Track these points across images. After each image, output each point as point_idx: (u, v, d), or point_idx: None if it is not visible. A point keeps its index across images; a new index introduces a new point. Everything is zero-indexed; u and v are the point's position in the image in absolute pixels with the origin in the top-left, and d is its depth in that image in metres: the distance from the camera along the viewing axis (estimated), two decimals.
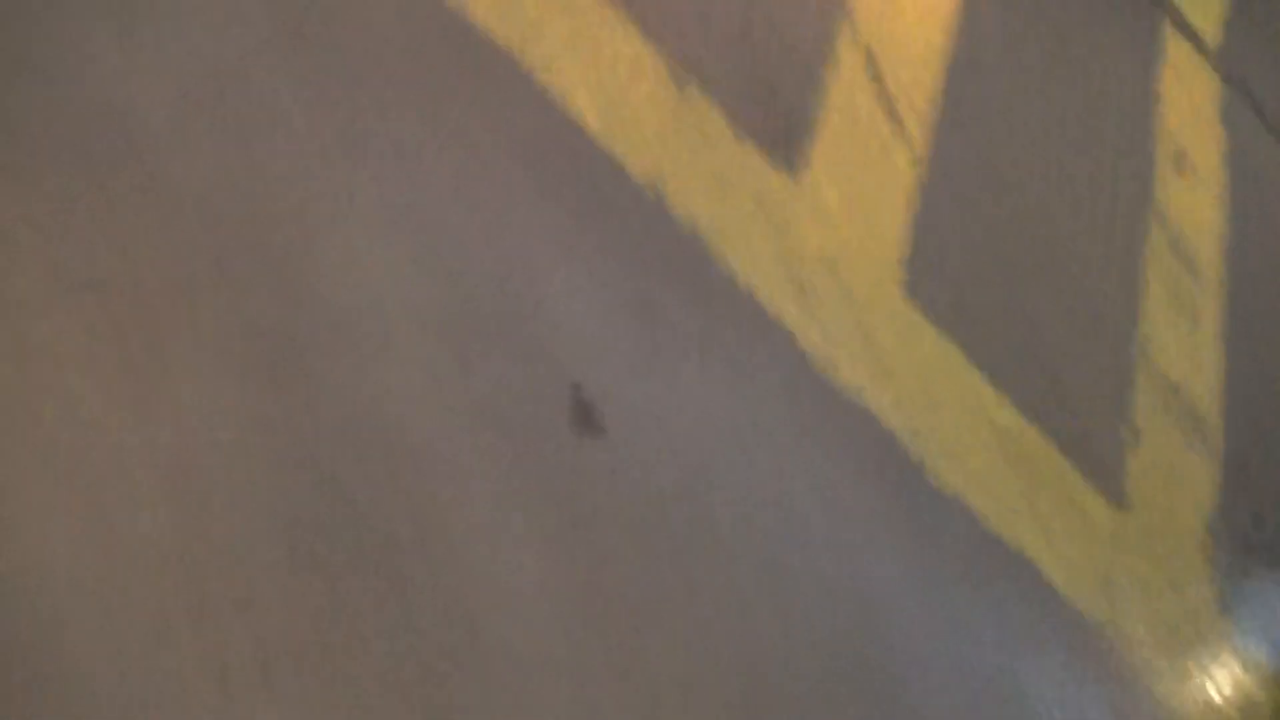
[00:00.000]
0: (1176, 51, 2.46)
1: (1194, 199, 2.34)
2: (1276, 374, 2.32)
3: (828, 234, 1.78)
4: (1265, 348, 2.33)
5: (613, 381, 1.49)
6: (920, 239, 1.87)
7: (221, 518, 1.19)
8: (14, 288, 1.19)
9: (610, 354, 1.52)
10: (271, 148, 1.41)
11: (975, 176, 1.99)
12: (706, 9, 1.77)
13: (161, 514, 1.16)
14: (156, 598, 1.12)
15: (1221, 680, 1.95)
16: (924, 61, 2.00)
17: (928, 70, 1.99)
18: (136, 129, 1.31)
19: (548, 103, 1.61)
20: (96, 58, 1.30)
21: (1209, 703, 1.91)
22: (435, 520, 1.33)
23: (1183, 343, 2.16)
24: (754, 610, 1.49)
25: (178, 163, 1.33)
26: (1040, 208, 2.08)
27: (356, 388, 1.37)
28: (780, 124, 1.77)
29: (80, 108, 1.29)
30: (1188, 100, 2.43)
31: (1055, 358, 1.95)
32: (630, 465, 1.46)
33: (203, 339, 1.27)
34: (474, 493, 1.35)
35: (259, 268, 1.34)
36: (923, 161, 1.92)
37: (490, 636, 1.28)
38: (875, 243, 1.81)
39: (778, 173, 1.76)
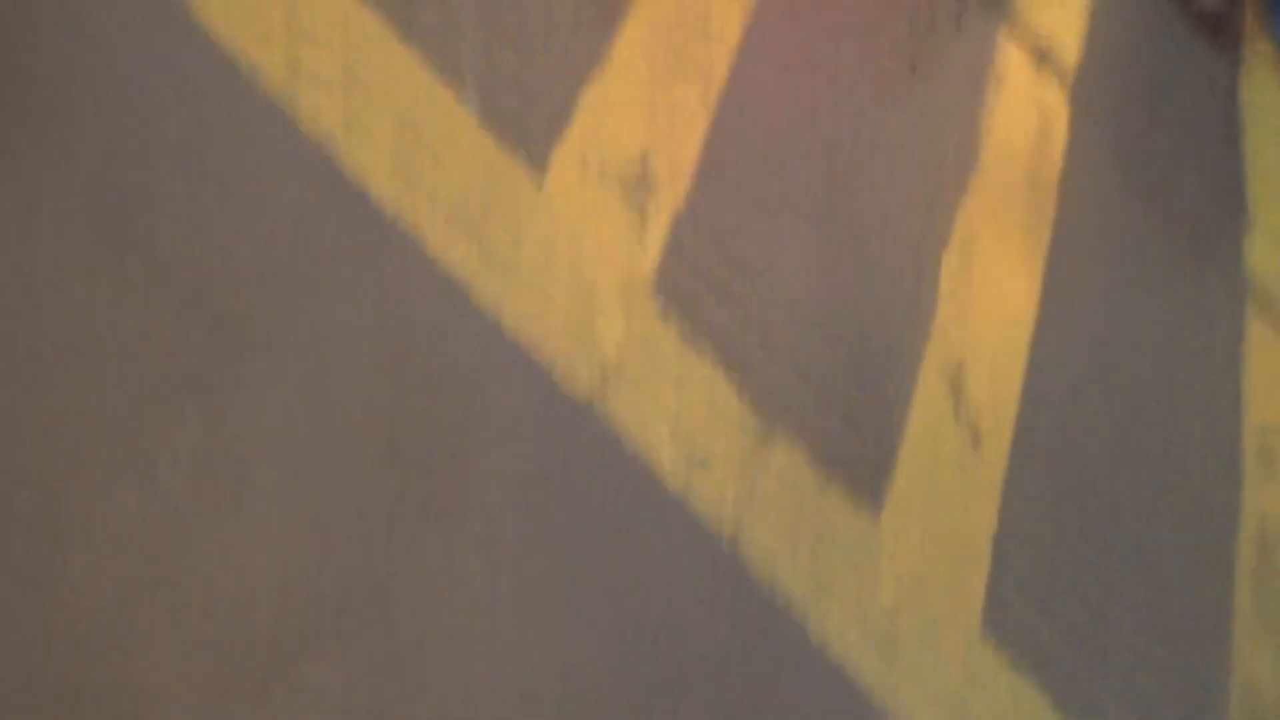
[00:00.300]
0: (1262, 335, 2.42)
1: None
2: None
3: (908, 577, 1.73)
4: None
5: None
6: (1003, 572, 1.82)
7: None
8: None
9: None
10: (369, 527, 1.41)
11: (1059, 495, 1.95)
12: (792, 343, 1.77)
13: None
14: None
15: None
16: (1008, 375, 1.98)
17: (1011, 384, 1.97)
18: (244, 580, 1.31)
19: (625, 452, 1.60)
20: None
21: None
22: None
23: (1277, 663, 2.07)
24: None
25: (261, 552, 1.34)
26: (1126, 521, 2.03)
27: None
28: (863, 459, 1.75)
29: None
30: (1273, 385, 2.38)
31: (1145, 695, 1.87)
32: None
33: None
34: None
35: (368, 649, 1.33)
36: (1006, 486, 1.89)
37: None
38: (957, 581, 1.77)
39: (859, 514, 1.73)
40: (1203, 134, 2.57)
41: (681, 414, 1.65)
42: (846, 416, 1.77)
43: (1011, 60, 2.28)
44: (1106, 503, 2.04)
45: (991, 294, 2.03)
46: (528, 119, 1.69)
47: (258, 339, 1.41)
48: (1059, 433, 2.03)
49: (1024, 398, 1.99)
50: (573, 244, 1.64)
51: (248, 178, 1.49)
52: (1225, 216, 2.48)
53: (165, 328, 1.36)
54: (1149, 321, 2.28)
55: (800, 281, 1.81)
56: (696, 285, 1.72)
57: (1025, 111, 2.26)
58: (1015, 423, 1.95)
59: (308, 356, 1.43)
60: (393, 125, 1.60)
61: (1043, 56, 2.33)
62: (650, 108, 1.81)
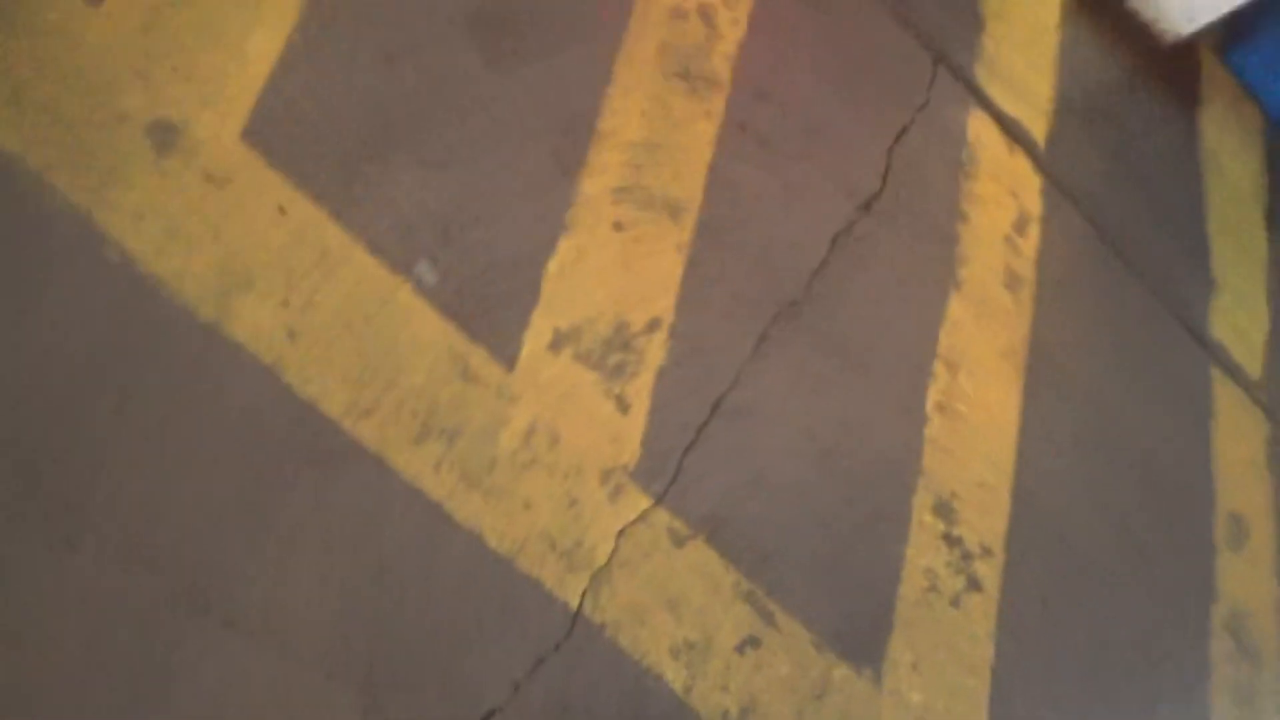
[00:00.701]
0: (1229, 403, 2.38)
1: (1252, 575, 2.27)
2: None
3: None
4: None
5: None
6: (1002, 710, 1.78)
7: None
8: None
9: None
10: None
11: (1052, 613, 1.90)
12: (784, 509, 1.67)
13: None
14: None
15: None
16: (996, 493, 1.91)
17: (1000, 502, 1.89)
18: None
19: (623, 654, 1.51)
20: None
21: None
22: None
23: None
24: None
25: None
26: (1115, 627, 2.00)
27: None
28: (862, 622, 1.68)
29: None
30: (1240, 455, 2.36)
31: None
32: None
33: None
34: None
35: None
36: (1000, 615, 1.84)
37: None
38: None
39: (861, 679, 1.66)
40: (1171, 193, 2.50)
41: (679, 604, 1.55)
42: (844, 580, 1.69)
43: (984, 144, 2.17)
44: (1096, 612, 2.01)
45: (977, 412, 1.96)
46: (491, 299, 1.54)
47: (219, 605, 1.26)
48: (1047, 545, 1.97)
49: (1013, 513, 1.93)
50: (550, 435, 1.47)
51: (187, 414, 1.33)
52: (1195, 280, 2.44)
53: (121, 618, 1.19)
54: (1127, 405, 2.23)
55: (789, 438, 1.71)
56: (683, 458, 1.62)
57: (1001, 198, 2.15)
58: (1006, 544, 1.90)
59: (275, 612, 1.28)
60: (342, 327, 1.41)
61: (1013, 135, 2.23)
62: (621, 261, 1.67)
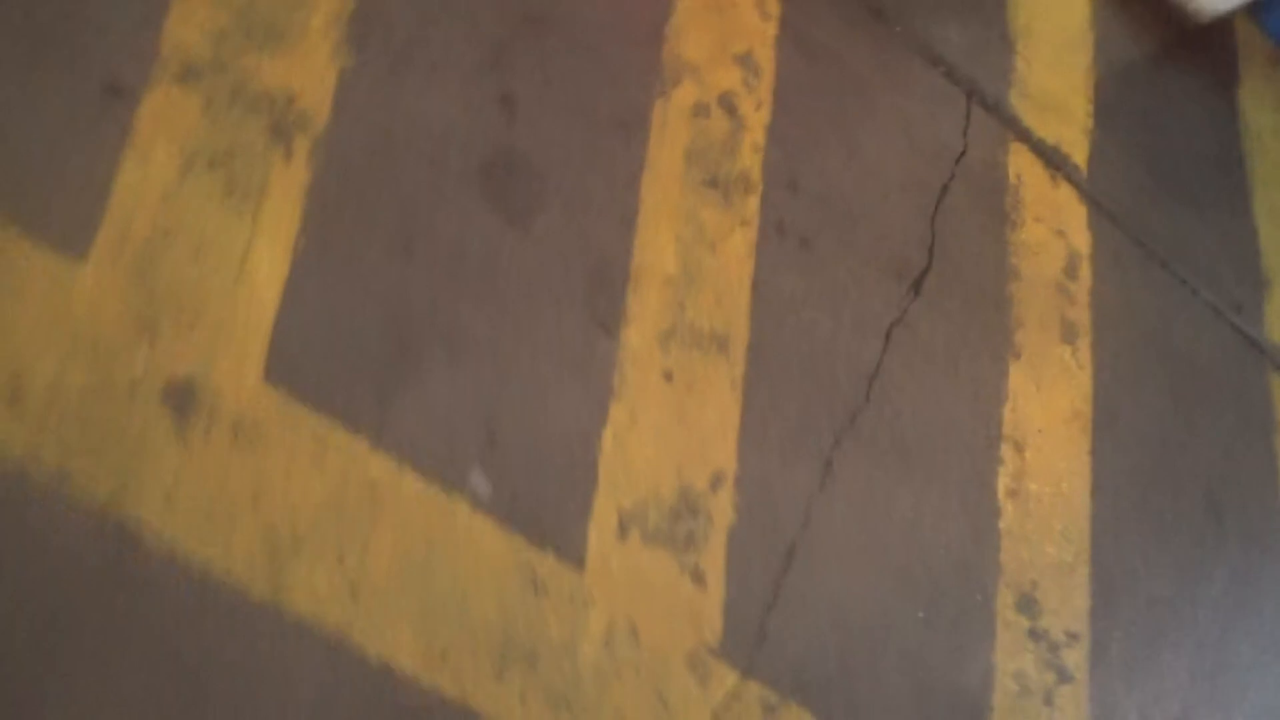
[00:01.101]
0: None
1: None
2: None
3: None
4: None
5: None
6: None
7: None
8: None
9: None
10: None
11: (1140, 694, 1.85)
12: (872, 661, 1.61)
13: None
14: None
15: None
16: (1074, 583, 1.83)
17: (1079, 592, 1.82)
18: None
19: None
20: None
21: None
22: None
23: None
24: None
25: None
26: (1198, 689, 1.95)
27: None
28: None
29: None
30: None
31: None
32: None
33: None
34: None
35: None
36: (1091, 705, 1.79)
37: None
38: None
39: None
40: (1216, 189, 2.36)
41: None
42: (938, 707, 1.64)
43: (1026, 183, 2.03)
44: (1184, 675, 1.97)
45: (1048, 488, 1.88)
46: (550, 494, 1.43)
47: None
48: (1129, 614, 1.92)
49: (1094, 589, 1.87)
50: (630, 630, 1.39)
51: (259, 703, 1.25)
52: (1247, 282, 2.32)
53: None
54: (1191, 435, 2.13)
55: (865, 567, 1.63)
56: (764, 620, 1.55)
57: (1049, 242, 2.01)
58: (1090, 624, 1.84)
59: None
60: (404, 568, 1.30)
61: (1055, 164, 2.09)
62: (677, 416, 1.56)
